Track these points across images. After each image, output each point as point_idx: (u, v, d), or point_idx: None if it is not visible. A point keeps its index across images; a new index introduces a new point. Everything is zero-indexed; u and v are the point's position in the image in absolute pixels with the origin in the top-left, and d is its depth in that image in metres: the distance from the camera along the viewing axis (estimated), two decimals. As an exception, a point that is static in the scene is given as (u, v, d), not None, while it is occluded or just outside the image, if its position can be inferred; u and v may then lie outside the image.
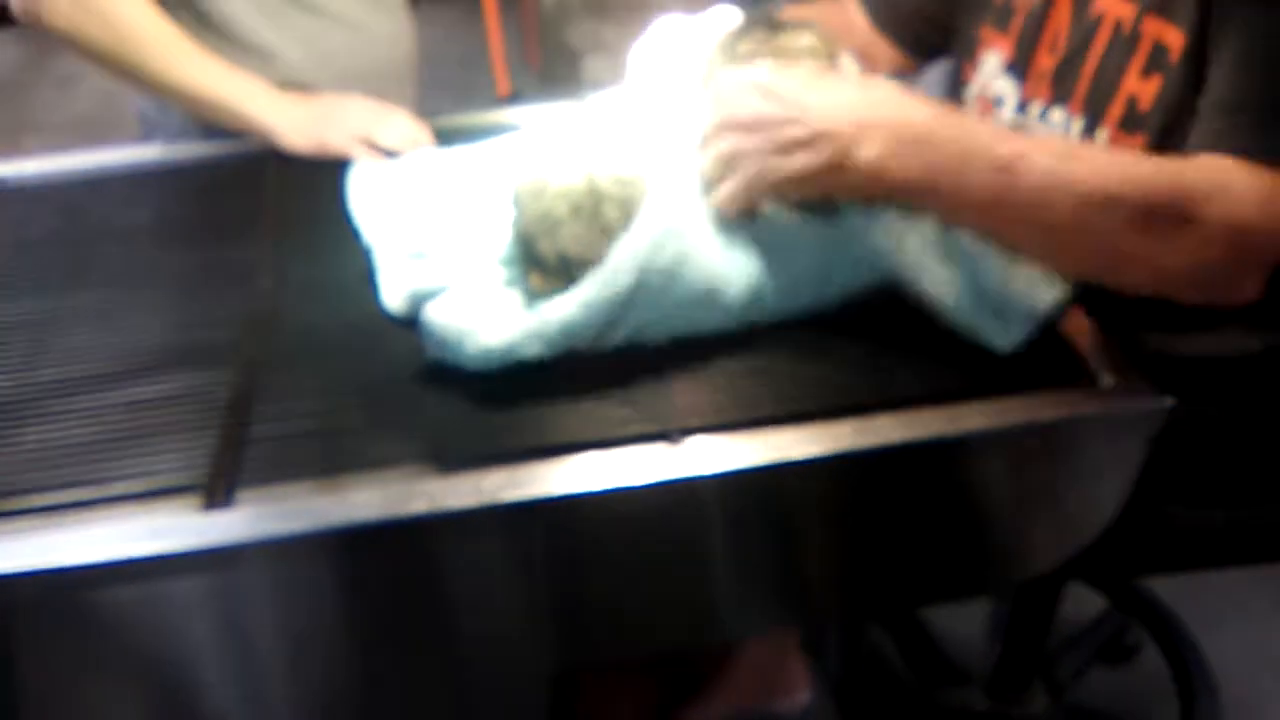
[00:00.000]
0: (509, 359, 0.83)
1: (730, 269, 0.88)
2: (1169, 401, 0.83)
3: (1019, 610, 1.30)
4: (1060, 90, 0.99)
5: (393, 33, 1.43)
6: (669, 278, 0.85)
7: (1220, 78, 0.84)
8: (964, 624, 1.59)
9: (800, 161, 0.85)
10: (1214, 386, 0.95)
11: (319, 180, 1.13)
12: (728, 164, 0.89)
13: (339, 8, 1.35)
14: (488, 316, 0.85)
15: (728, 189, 0.88)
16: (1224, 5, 0.85)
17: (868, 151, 0.84)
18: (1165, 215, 0.80)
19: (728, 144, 0.88)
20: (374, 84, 1.33)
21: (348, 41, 1.36)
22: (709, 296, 0.87)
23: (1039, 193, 0.81)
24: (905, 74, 1.21)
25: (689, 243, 0.86)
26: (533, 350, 0.84)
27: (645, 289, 0.84)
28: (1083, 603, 1.56)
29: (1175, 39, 0.88)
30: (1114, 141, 0.94)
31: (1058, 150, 0.83)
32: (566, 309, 0.84)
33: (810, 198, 0.88)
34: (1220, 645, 1.56)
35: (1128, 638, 1.61)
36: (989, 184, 0.82)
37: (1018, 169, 0.81)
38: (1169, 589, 1.58)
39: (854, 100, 0.86)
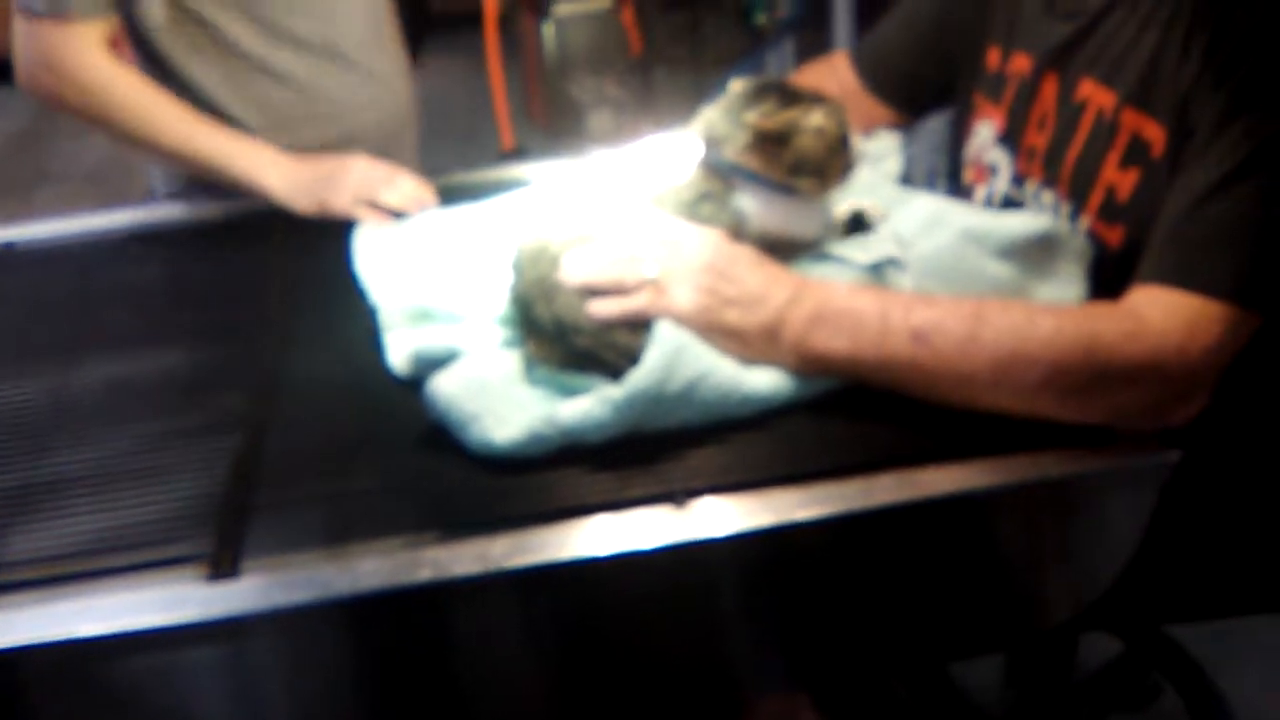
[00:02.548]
0: (510, 455, 0.83)
1: (753, 374, 0.87)
2: (1176, 455, 0.83)
3: (1036, 657, 1.29)
4: (1049, 172, 1.00)
5: (372, 100, 1.44)
6: (685, 395, 0.84)
7: (1183, 205, 0.84)
8: (981, 671, 1.58)
9: (735, 317, 0.87)
10: (1222, 437, 0.95)
11: (325, 241, 1.14)
12: (659, 283, 0.88)
13: (306, 76, 1.36)
14: (493, 404, 0.84)
15: (639, 303, 0.87)
16: (1201, 108, 0.85)
17: (797, 322, 0.86)
18: (1076, 370, 0.82)
19: (676, 274, 0.88)
20: (351, 149, 1.33)
21: (309, 110, 1.37)
22: (730, 402, 0.86)
23: (955, 358, 0.83)
24: (900, 128, 1.21)
25: (703, 359, 0.85)
26: (535, 451, 0.83)
27: (660, 407, 0.84)
28: (1101, 646, 1.55)
29: (1156, 134, 0.89)
30: (1094, 230, 0.94)
31: (969, 314, 0.84)
32: (574, 421, 0.83)
33: (745, 358, 0.88)
34: (1241, 689, 1.54)
35: (1147, 681, 1.59)
36: (907, 353, 0.84)
37: (932, 337, 0.83)
38: (1189, 632, 1.56)
39: (786, 279, 0.88)
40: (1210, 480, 0.98)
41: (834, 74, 1.25)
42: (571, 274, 0.89)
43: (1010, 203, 1.06)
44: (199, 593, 0.75)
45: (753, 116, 0.91)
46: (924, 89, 1.21)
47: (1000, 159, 1.08)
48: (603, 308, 0.87)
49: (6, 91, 4.14)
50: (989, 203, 1.09)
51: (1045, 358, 0.81)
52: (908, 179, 1.13)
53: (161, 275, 1.15)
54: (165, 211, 1.31)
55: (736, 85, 0.95)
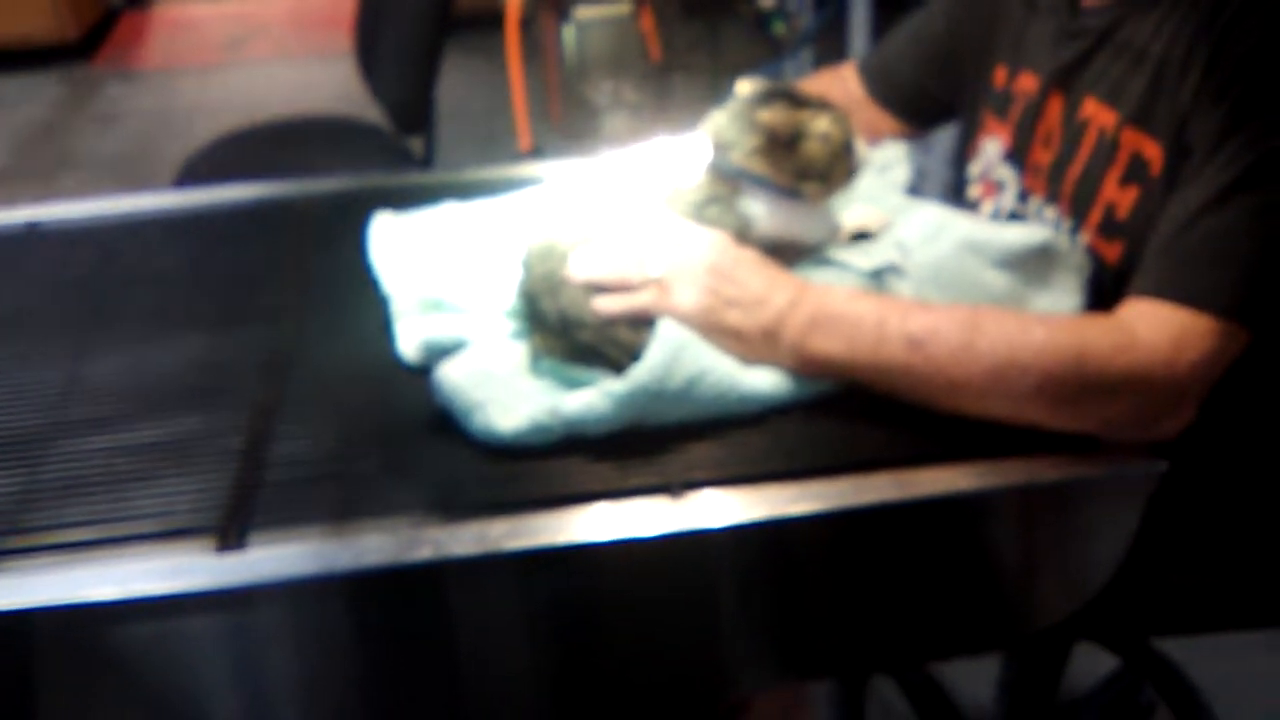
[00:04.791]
0: (513, 443, 0.85)
1: (752, 373, 0.89)
2: (1163, 465, 0.85)
3: (1027, 668, 1.30)
4: (1052, 188, 1.02)
5: None
6: (685, 392, 0.86)
7: (1177, 221, 0.86)
8: (974, 681, 1.59)
9: (736, 318, 0.89)
10: (1209, 449, 0.96)
11: (342, 230, 1.16)
12: (663, 282, 0.90)
13: None
14: (498, 393, 0.87)
15: (643, 301, 0.90)
16: (1198, 127, 0.87)
17: (796, 324, 0.88)
18: (1066, 380, 0.83)
19: (680, 274, 0.90)
20: None
21: None
22: (729, 400, 0.88)
23: (949, 365, 0.85)
24: (908, 138, 1.23)
25: (704, 357, 0.87)
26: (537, 441, 0.85)
27: (659, 403, 0.86)
28: (1095, 662, 1.56)
29: (1154, 152, 0.90)
30: (1093, 246, 0.96)
31: (964, 322, 0.86)
32: (576, 413, 0.85)
33: (745, 358, 0.90)
34: (1235, 708, 1.55)
35: (1141, 698, 1.60)
36: (902, 358, 0.86)
37: (928, 344, 0.85)
38: (1184, 650, 1.57)
39: (787, 282, 0.90)
40: (1198, 493, 1.00)
41: (841, 83, 1.27)
42: (578, 271, 0.91)
43: (1016, 218, 1.08)
44: (207, 563, 0.77)
45: (765, 115, 0.93)
46: (929, 102, 1.23)
47: (1008, 175, 1.09)
48: (608, 304, 0.90)
49: (32, 79, 4.20)
50: (996, 218, 1.11)
51: (1036, 367, 0.83)
52: (917, 189, 1.15)
53: (180, 260, 1.18)
54: (185, 197, 1.33)
55: (744, 86, 0.97)
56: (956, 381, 0.85)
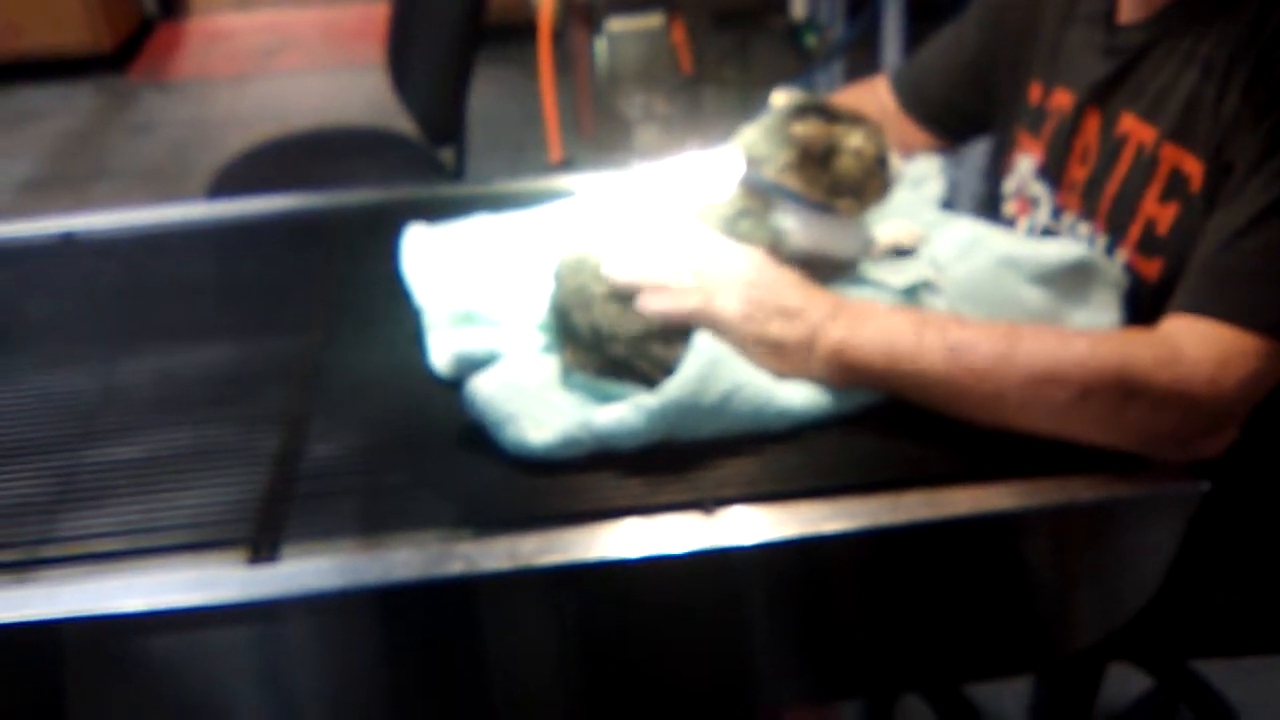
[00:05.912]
0: (544, 457, 0.84)
1: (787, 388, 0.88)
2: (1205, 485, 0.83)
3: (1060, 687, 1.28)
4: (1087, 205, 1.01)
5: None
6: (719, 407, 0.85)
7: (1221, 238, 0.85)
8: (1006, 700, 1.57)
9: (777, 329, 0.88)
10: (1251, 469, 0.95)
11: (374, 242, 1.16)
12: (705, 289, 0.90)
13: None
14: (530, 406, 0.86)
15: (689, 303, 0.89)
16: (1239, 144, 0.86)
17: (835, 333, 0.87)
18: (1107, 392, 0.82)
19: (721, 284, 0.90)
20: None
21: None
22: (763, 415, 0.87)
23: (989, 375, 0.84)
24: (942, 152, 1.22)
25: (740, 372, 0.87)
26: (569, 454, 0.85)
27: (693, 418, 0.85)
28: (1129, 682, 1.53)
29: (1194, 168, 0.89)
30: (1132, 263, 0.95)
31: (1004, 333, 0.85)
32: (608, 427, 0.84)
33: (780, 373, 0.89)
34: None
35: (1175, 720, 1.58)
36: (942, 368, 0.85)
37: (967, 353, 0.84)
38: (1219, 671, 1.55)
39: (823, 297, 0.90)
40: (1240, 513, 0.98)
41: (873, 96, 1.26)
42: (617, 275, 0.90)
43: (1049, 235, 1.07)
44: (239, 575, 0.77)
45: (799, 129, 0.93)
46: (961, 117, 1.22)
47: (1040, 192, 1.08)
48: (655, 303, 0.89)
49: (67, 89, 4.25)
50: (1030, 234, 1.10)
51: (1076, 378, 0.82)
52: (951, 204, 1.14)
53: (212, 270, 1.18)
54: (217, 208, 1.34)
55: (778, 98, 0.97)
56: (995, 393, 0.84)
